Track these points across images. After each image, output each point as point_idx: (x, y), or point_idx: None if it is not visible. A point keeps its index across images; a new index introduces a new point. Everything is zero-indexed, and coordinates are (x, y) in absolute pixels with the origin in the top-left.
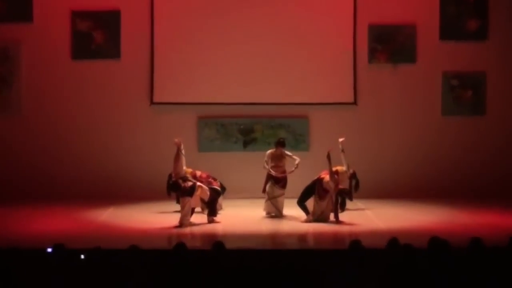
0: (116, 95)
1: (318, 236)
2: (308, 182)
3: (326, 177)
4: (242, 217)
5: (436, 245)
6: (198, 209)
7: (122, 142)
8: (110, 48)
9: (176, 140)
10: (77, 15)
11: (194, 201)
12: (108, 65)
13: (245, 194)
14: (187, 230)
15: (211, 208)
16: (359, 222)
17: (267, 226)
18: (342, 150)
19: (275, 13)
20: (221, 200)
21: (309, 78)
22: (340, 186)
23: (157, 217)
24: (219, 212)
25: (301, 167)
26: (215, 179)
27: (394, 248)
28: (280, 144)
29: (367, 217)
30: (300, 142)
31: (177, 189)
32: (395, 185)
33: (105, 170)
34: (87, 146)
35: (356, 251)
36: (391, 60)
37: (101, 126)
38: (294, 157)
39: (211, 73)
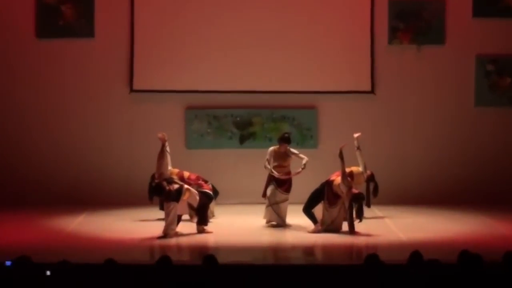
0: (88, 81)
1: (328, 249)
2: (316, 185)
3: (338, 179)
4: (238, 226)
5: (466, 259)
6: (185, 216)
7: (95, 137)
8: (82, 26)
9: (160, 134)
10: None
11: (181, 207)
12: (80, 45)
13: (241, 199)
14: (173, 241)
15: (201, 215)
16: (376, 233)
17: (267, 237)
18: (358, 148)
19: None
20: (213, 206)
21: (318, 61)
22: (354, 190)
23: (137, 226)
24: (211, 220)
25: (308, 168)
26: (206, 181)
27: (417, 263)
28: (284, 140)
29: (386, 227)
30: (307, 137)
31: (160, 193)
32: (419, 189)
33: (75, 170)
34: (54, 142)
35: (373, 267)
36: (415, 41)
37: (71, 117)
38: (301, 155)
39: (201, 55)
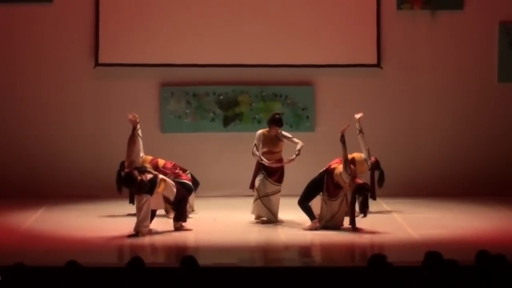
0: (46, 54)
1: (327, 249)
2: (313, 174)
3: (339, 167)
4: (221, 222)
5: (486, 261)
6: (161, 211)
7: (55, 119)
8: None
9: (130, 116)
10: None
11: (155, 200)
12: (35, 11)
13: (226, 191)
14: (146, 240)
15: (179, 210)
16: (383, 230)
17: (256, 235)
18: (360, 131)
19: None
20: (192, 200)
21: (315, 30)
22: (359, 180)
23: (104, 223)
24: (190, 215)
25: (304, 154)
26: (184, 171)
27: (433, 265)
28: (275, 122)
29: (395, 223)
30: (303, 119)
31: (131, 184)
32: (434, 179)
33: (31, 157)
34: (6, 125)
35: (378, 269)
36: (428, 6)
37: (26, 96)
38: (295, 139)
39: (178, 22)
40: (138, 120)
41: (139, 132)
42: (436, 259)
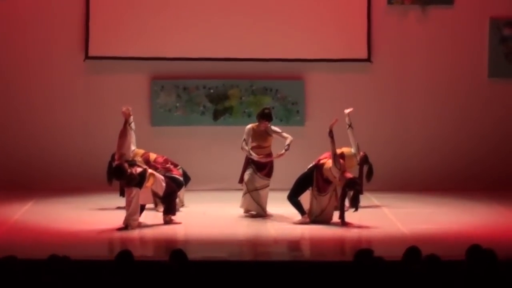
0: (35, 46)
1: (317, 243)
2: (302, 168)
3: (328, 162)
4: (210, 216)
5: (477, 256)
6: (150, 205)
7: (45, 112)
8: None
9: (124, 109)
10: None
11: (143, 195)
12: (25, 4)
13: (215, 184)
14: (135, 233)
15: (169, 204)
16: (373, 225)
17: (245, 229)
18: (350, 125)
19: None
20: (182, 194)
21: (305, 24)
22: (349, 175)
23: (94, 216)
24: (180, 209)
25: (294, 148)
26: (175, 166)
27: (414, 260)
28: (264, 116)
29: (384, 218)
30: (293, 113)
31: (121, 177)
32: (422, 173)
33: (21, 150)
34: None
35: (364, 264)
36: (419, 1)
37: (15, 89)
38: (284, 134)
39: (169, 15)
40: (131, 113)
41: (132, 125)
42: (415, 255)
